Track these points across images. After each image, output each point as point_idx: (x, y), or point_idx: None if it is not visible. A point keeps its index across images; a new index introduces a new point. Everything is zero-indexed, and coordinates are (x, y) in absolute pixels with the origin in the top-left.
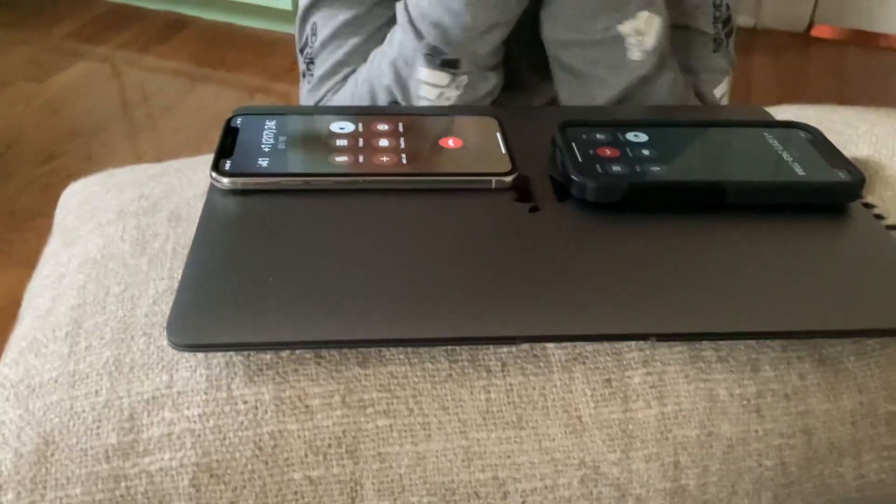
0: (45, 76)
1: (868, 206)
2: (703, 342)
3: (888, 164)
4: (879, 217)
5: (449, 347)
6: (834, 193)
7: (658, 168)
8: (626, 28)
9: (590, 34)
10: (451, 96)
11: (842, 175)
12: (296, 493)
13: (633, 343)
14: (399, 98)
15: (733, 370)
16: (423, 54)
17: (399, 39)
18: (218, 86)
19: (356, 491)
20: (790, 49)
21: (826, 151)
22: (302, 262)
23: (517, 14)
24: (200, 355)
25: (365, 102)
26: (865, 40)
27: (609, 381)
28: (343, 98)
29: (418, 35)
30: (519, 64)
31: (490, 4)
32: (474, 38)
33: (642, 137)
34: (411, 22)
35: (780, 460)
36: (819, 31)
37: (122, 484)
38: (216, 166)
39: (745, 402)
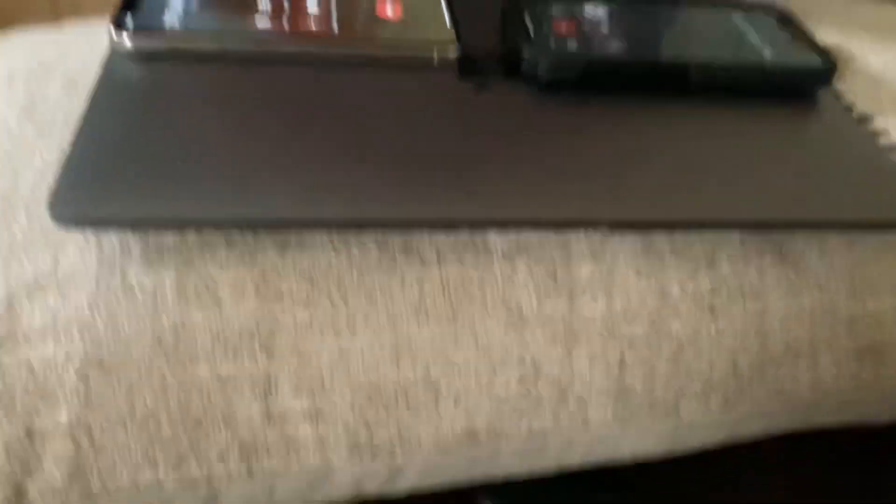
0: None
1: (838, 95)
2: (658, 235)
3: (859, 56)
4: (849, 108)
5: (379, 234)
6: (804, 79)
7: (618, 46)
8: None
9: None
10: None
11: (813, 60)
12: (201, 390)
13: (582, 234)
14: None
15: (688, 264)
16: None
17: None
18: None
19: (270, 389)
20: None
21: (797, 36)
22: (213, 135)
23: None
24: (91, 236)
25: None
26: None
27: (554, 273)
28: None
29: None
30: None
31: None
32: None
33: (602, 13)
34: None
35: (733, 362)
36: None
37: None
38: (116, 21)
39: (697, 299)
